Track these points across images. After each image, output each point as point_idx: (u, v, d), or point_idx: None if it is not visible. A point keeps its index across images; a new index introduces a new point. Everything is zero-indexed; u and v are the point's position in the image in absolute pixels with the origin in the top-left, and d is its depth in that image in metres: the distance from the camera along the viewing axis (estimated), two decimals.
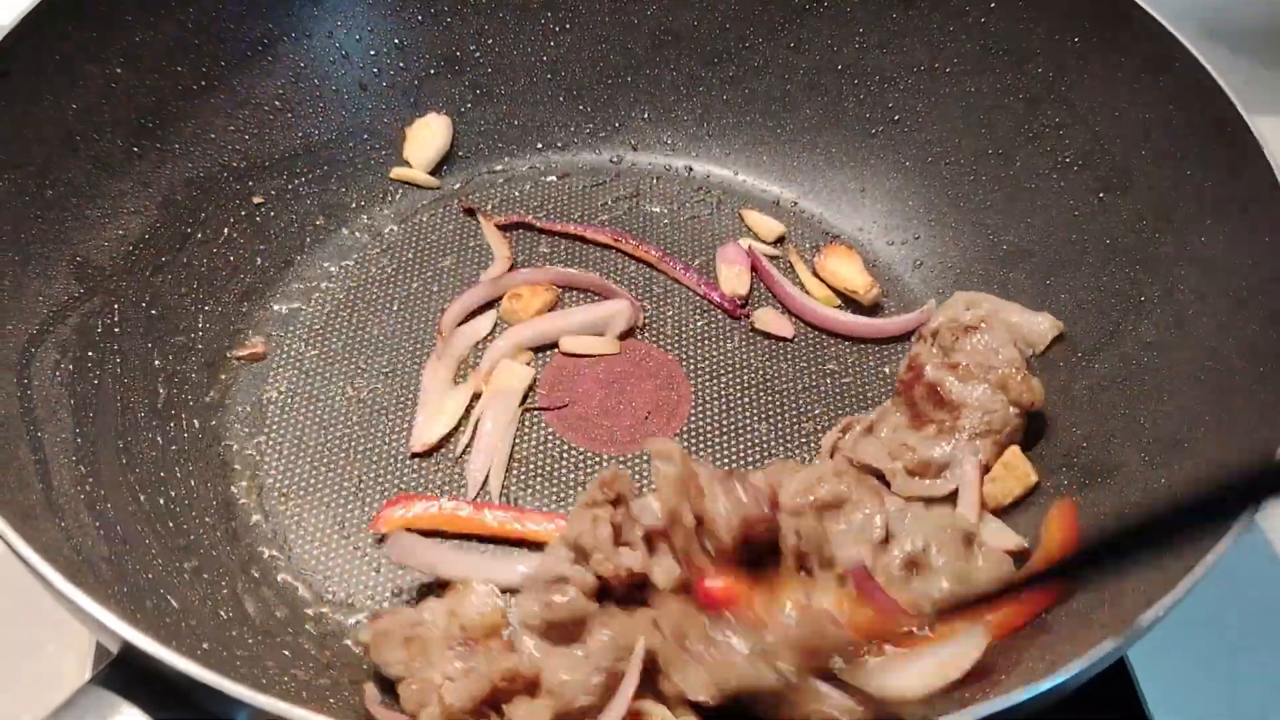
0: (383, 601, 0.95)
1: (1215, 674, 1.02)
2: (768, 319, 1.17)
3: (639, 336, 1.16)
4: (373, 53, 1.27)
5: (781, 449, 1.07)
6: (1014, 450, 1.01)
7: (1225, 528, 0.72)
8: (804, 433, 1.08)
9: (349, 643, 0.92)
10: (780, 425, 1.09)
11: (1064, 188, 1.12)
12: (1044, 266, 1.13)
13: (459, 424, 1.07)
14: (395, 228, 1.24)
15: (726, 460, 1.06)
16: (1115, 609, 0.80)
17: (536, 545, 0.97)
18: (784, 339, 1.16)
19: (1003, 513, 1.00)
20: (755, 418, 1.09)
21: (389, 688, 0.85)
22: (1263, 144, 0.92)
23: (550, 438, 1.07)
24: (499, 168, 1.31)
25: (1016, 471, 1.00)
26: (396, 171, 1.27)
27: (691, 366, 1.13)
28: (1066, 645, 0.80)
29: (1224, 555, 0.72)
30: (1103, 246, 1.08)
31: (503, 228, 1.24)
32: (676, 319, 1.17)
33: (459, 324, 1.15)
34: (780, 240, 1.25)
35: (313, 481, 1.02)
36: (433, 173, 1.28)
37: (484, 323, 1.15)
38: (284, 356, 1.12)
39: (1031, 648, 0.85)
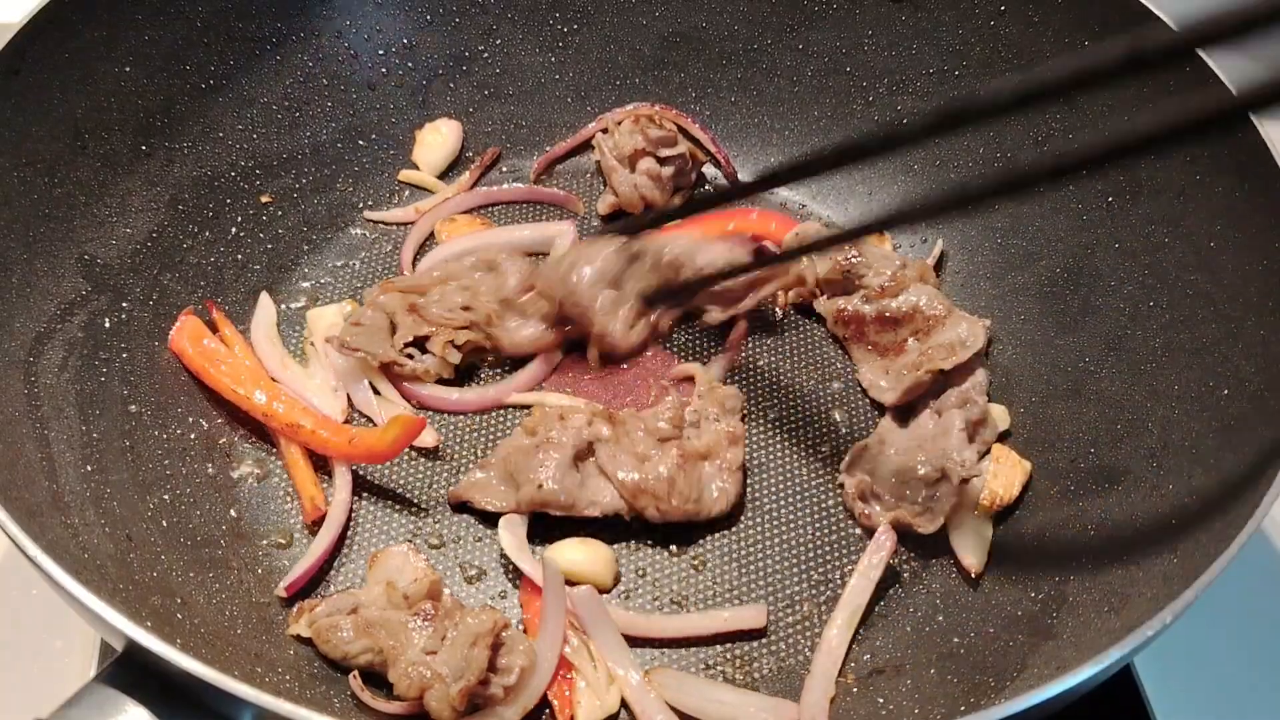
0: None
1: (1220, 678, 1.01)
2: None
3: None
4: (381, 52, 1.27)
5: (788, 449, 1.07)
6: (997, 446, 1.03)
7: None
8: (810, 434, 1.08)
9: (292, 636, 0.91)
10: (787, 426, 1.09)
11: (1072, 192, 1.12)
12: (1051, 271, 1.12)
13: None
14: (402, 226, 1.24)
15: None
16: (1122, 615, 0.80)
17: None
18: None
19: (1008, 515, 1.00)
20: (760, 419, 1.09)
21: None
22: (1272, 148, 0.91)
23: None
24: (505, 169, 1.31)
25: (1009, 463, 1.01)
26: (404, 174, 1.27)
27: (687, 357, 1.13)
28: (1073, 651, 0.80)
29: (1231, 562, 0.72)
30: (1111, 251, 1.07)
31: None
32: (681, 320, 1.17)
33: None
34: None
35: None
36: (441, 176, 1.29)
37: None
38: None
39: (1038, 653, 0.85)
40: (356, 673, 0.85)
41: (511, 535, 0.96)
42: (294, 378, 1.07)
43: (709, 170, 1.31)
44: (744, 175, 1.31)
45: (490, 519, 0.99)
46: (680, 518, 0.97)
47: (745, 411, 1.07)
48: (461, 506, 1.00)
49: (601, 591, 0.95)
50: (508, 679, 0.83)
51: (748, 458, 1.06)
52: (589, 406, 1.03)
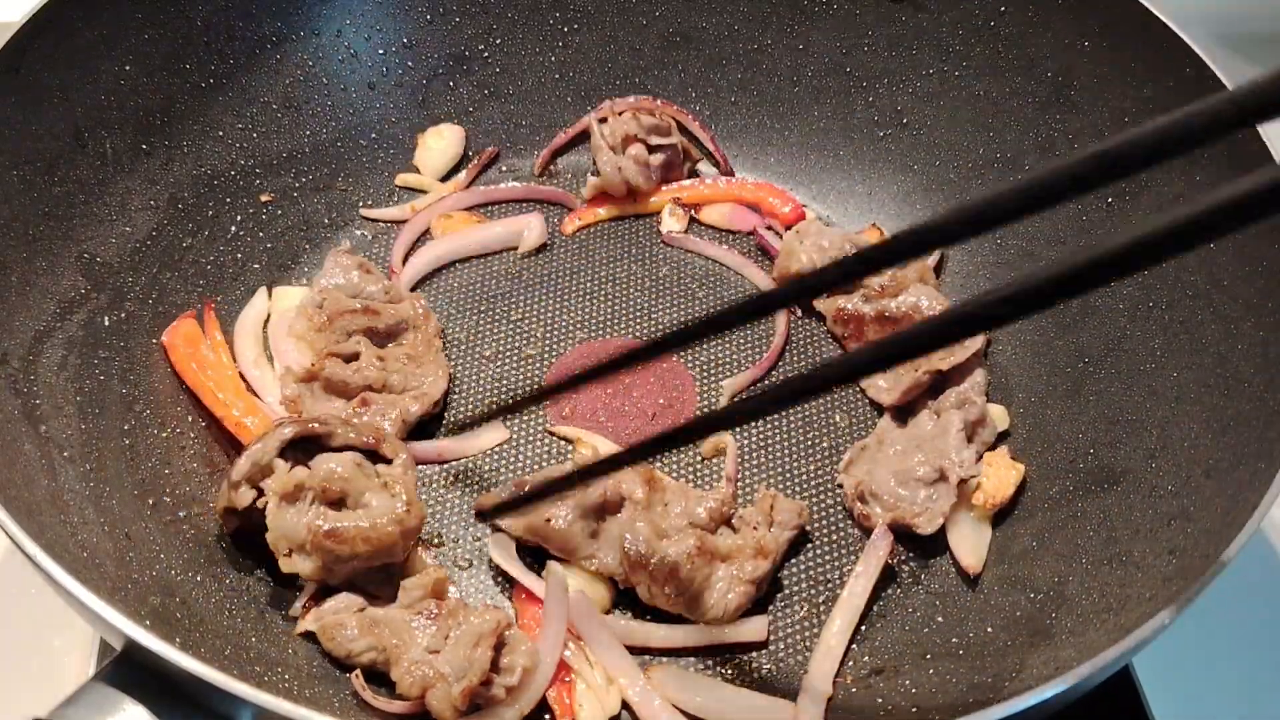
0: None
1: (1219, 679, 1.01)
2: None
3: (643, 338, 1.16)
4: (381, 52, 1.27)
5: (786, 449, 1.07)
6: (989, 452, 1.02)
7: None
8: (809, 434, 1.08)
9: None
10: (785, 426, 1.09)
11: None
12: None
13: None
14: (400, 225, 1.24)
15: (709, 456, 1.06)
16: (1121, 616, 0.80)
17: None
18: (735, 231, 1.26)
19: (1006, 515, 1.00)
20: (761, 420, 1.09)
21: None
22: (1271, 149, 0.91)
23: (555, 442, 1.07)
24: (505, 168, 1.31)
25: (1001, 468, 1.00)
26: (401, 178, 1.27)
27: (696, 367, 1.13)
28: (1072, 652, 0.80)
29: (1230, 563, 0.72)
30: None
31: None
32: (680, 320, 1.17)
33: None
34: None
35: None
36: (442, 181, 1.28)
37: None
38: None
39: (1037, 654, 0.85)
40: (359, 671, 0.85)
41: (501, 551, 0.95)
42: (260, 377, 1.07)
43: (704, 168, 1.31)
44: (750, 175, 1.31)
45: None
46: (668, 609, 0.92)
47: (802, 529, 0.98)
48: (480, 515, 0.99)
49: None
50: (510, 679, 0.83)
51: (744, 460, 1.06)
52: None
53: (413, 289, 1.18)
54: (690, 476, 1.05)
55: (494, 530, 0.98)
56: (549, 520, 0.93)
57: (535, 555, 0.96)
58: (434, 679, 0.80)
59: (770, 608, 0.95)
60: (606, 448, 1.04)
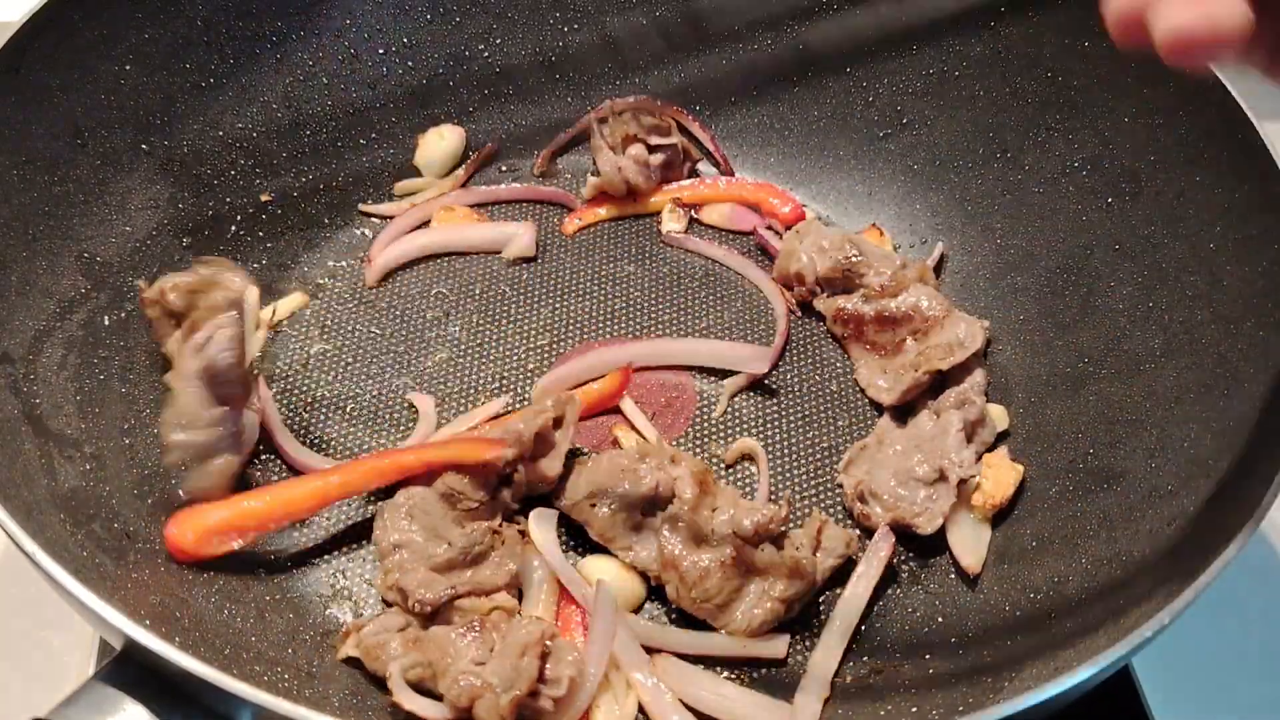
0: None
1: (1219, 679, 1.01)
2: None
3: (643, 338, 1.16)
4: (381, 51, 1.27)
5: (785, 448, 1.07)
6: (988, 455, 1.02)
7: None
8: (808, 434, 1.08)
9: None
10: (785, 426, 1.09)
11: (1072, 192, 1.12)
12: (1051, 271, 1.12)
13: None
14: None
15: (731, 462, 1.06)
16: (1120, 616, 0.80)
17: None
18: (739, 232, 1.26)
19: (1006, 515, 1.00)
20: (761, 420, 1.09)
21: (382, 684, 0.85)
22: (1271, 149, 0.91)
23: None
24: (504, 168, 1.31)
25: (1000, 468, 1.00)
26: (400, 185, 1.27)
27: (696, 367, 1.13)
28: (1071, 651, 0.80)
29: (1230, 563, 0.72)
30: (1111, 252, 1.07)
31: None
32: (680, 320, 1.17)
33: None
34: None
35: None
36: (441, 179, 1.29)
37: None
38: (288, 353, 1.12)
39: (1037, 653, 0.85)
40: (397, 676, 0.83)
41: (541, 532, 0.94)
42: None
43: (704, 168, 1.31)
44: (750, 176, 1.31)
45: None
46: (693, 613, 0.91)
47: (849, 558, 0.96)
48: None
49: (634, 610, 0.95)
50: (557, 690, 0.82)
51: (744, 460, 1.06)
52: (692, 462, 0.97)
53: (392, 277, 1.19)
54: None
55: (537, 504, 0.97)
56: (594, 505, 0.94)
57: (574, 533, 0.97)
58: (482, 689, 0.79)
59: None
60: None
